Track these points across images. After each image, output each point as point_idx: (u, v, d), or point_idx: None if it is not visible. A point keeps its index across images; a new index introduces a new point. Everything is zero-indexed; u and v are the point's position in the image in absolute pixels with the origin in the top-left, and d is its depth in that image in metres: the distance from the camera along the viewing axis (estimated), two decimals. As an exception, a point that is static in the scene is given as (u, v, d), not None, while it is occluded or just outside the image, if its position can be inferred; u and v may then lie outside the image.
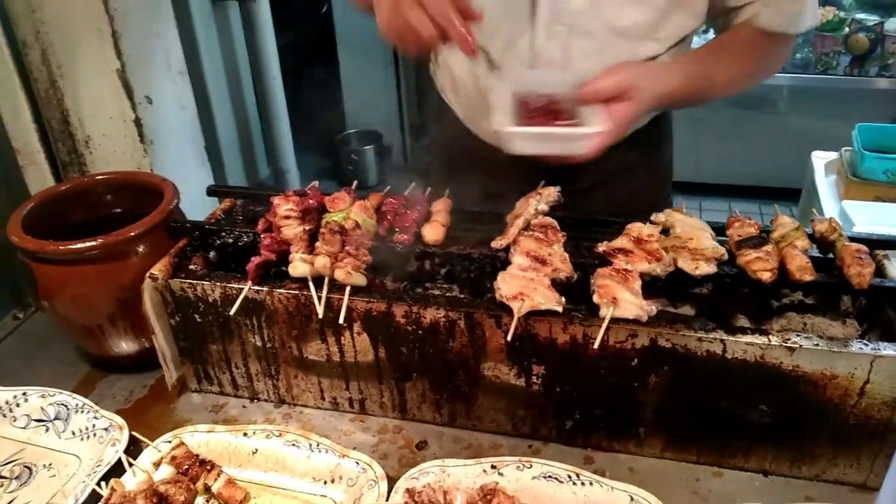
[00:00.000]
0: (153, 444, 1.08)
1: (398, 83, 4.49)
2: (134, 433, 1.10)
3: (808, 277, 1.00)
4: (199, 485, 1.02)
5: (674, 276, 1.06)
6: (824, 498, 1.02)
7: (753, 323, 1.10)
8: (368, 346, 1.12)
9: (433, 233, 1.14)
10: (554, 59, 1.23)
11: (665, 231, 1.13)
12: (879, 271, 1.09)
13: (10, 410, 1.19)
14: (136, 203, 1.27)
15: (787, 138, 3.82)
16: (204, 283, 1.13)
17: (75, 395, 1.18)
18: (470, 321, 1.05)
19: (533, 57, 1.23)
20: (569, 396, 1.08)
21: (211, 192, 1.35)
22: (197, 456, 1.05)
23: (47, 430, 1.17)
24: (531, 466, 1.04)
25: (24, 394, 1.20)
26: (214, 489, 1.02)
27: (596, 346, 0.98)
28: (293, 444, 1.09)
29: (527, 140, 1.07)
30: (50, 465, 1.12)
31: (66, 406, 1.17)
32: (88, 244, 1.14)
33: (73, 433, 1.15)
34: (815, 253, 1.11)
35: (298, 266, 1.09)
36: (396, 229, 1.16)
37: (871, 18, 3.91)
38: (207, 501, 1.00)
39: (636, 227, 1.11)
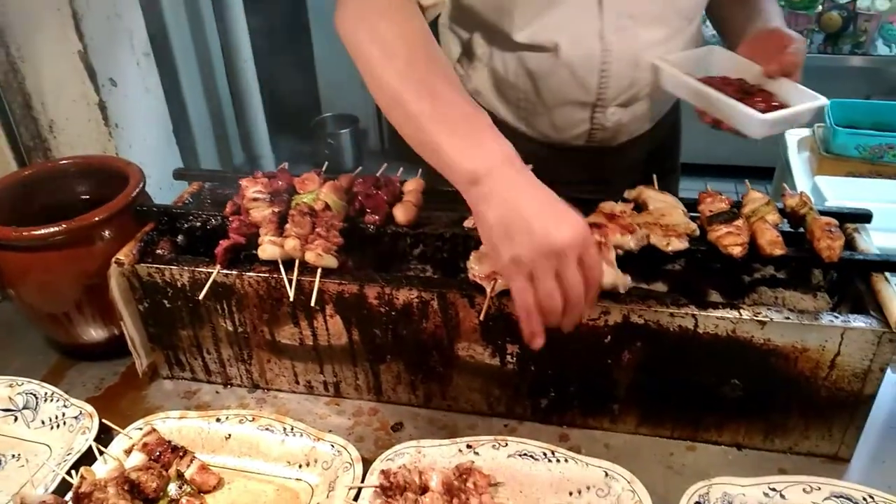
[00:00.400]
0: (124, 431, 1.07)
1: (373, 65, 4.44)
2: (104, 421, 1.08)
3: (778, 251, 1.01)
4: (172, 471, 1.01)
5: (646, 252, 1.06)
6: (797, 470, 1.03)
7: (725, 298, 1.11)
8: (341, 328, 1.11)
9: (405, 213, 1.13)
10: (624, 51, 1.21)
11: (638, 208, 1.12)
12: (850, 244, 1.09)
13: (-23, 401, 1.16)
14: (102, 188, 1.25)
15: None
16: (172, 267, 1.11)
17: (44, 384, 1.16)
18: (443, 301, 1.04)
19: (602, 50, 1.21)
20: (543, 375, 1.08)
21: (178, 175, 1.32)
22: (169, 442, 1.04)
23: (16, 419, 1.15)
24: (506, 445, 1.04)
25: (-10, 383, 1.17)
26: (187, 475, 1.01)
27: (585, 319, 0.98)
28: (267, 429, 1.08)
29: (776, 125, 1.06)
30: (19, 455, 1.10)
31: (34, 395, 1.16)
32: (52, 230, 1.11)
33: (43, 422, 1.13)
34: (787, 228, 1.11)
35: (268, 248, 1.07)
36: (368, 210, 1.15)
37: (844, -4, 3.92)
38: (180, 488, 0.99)
39: (608, 205, 1.11)
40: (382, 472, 0.98)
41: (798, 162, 2.31)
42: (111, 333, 1.23)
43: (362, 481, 0.99)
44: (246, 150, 3.90)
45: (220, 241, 1.09)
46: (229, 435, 1.08)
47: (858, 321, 0.95)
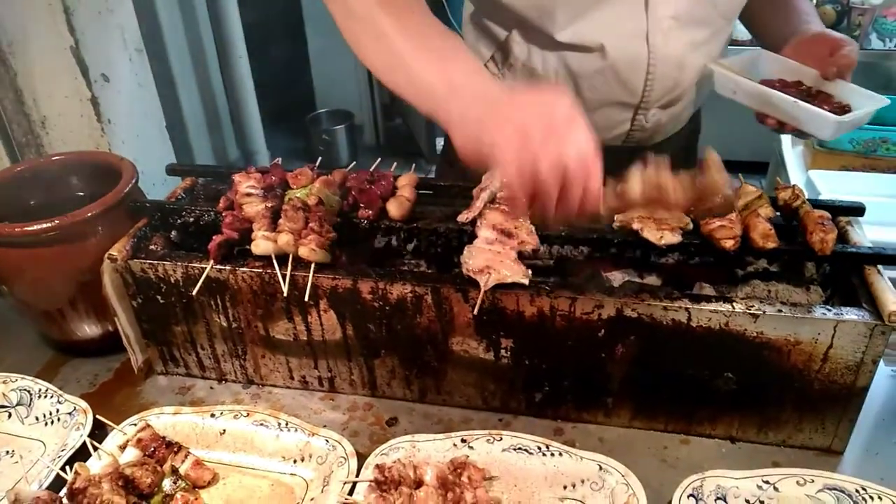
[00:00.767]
0: (118, 427, 1.06)
1: (368, 61, 4.43)
2: (99, 417, 1.08)
3: (770, 244, 1.01)
4: (167, 467, 1.01)
5: (640, 246, 1.06)
6: (791, 463, 1.03)
7: (719, 292, 1.11)
8: (335, 323, 1.11)
9: (398, 208, 1.13)
10: (669, 53, 1.21)
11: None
12: (843, 238, 1.10)
13: (-29, 398, 1.16)
14: (95, 184, 1.24)
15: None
16: (165, 263, 1.10)
17: (38, 380, 1.16)
18: (437, 296, 1.04)
19: (649, 51, 1.20)
20: (537, 369, 1.08)
21: (171, 170, 1.32)
22: (163, 438, 1.03)
23: (10, 416, 1.15)
24: (501, 439, 1.04)
25: (-16, 380, 1.17)
26: (182, 471, 1.01)
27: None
28: (261, 424, 1.08)
29: (849, 126, 1.12)
30: (13, 451, 1.10)
31: (28, 391, 1.15)
32: (45, 226, 1.11)
33: (37, 418, 1.13)
34: (780, 221, 1.12)
35: (261, 244, 1.07)
36: (361, 205, 1.15)
37: (838, -10, 3.92)
38: (175, 483, 0.99)
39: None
40: (377, 466, 0.98)
41: (792, 156, 2.31)
42: (105, 330, 1.23)
43: (357, 476, 0.99)
44: (240, 146, 3.89)
45: (214, 237, 1.09)
46: (224, 430, 1.08)
47: (851, 314, 0.96)
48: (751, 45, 1.49)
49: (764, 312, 0.96)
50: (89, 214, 1.13)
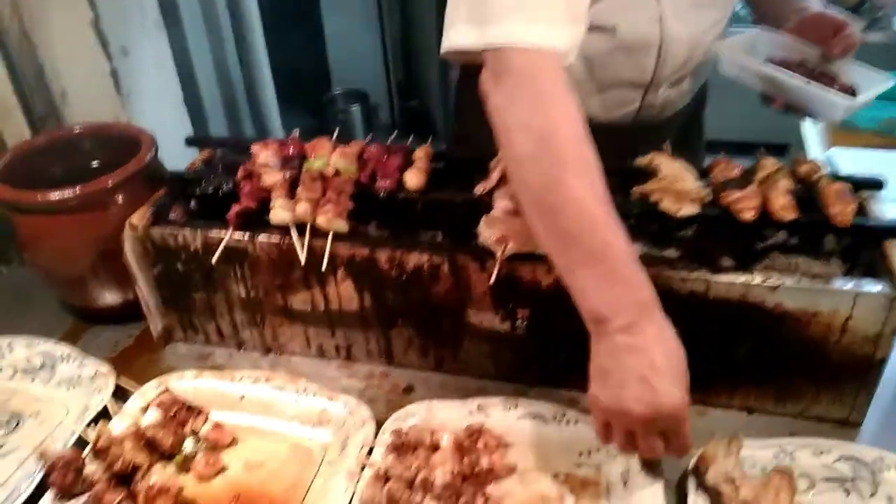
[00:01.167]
0: (140, 389, 1.08)
1: (384, 41, 4.41)
2: (120, 381, 1.10)
3: (790, 216, 1.00)
4: (187, 429, 1.03)
5: (657, 219, 1.06)
6: (808, 434, 1.02)
7: (737, 264, 1.10)
8: (353, 292, 1.12)
9: (415, 178, 1.13)
10: (681, 33, 1.21)
11: (650, 174, 1.12)
12: (862, 211, 1.08)
13: (-4, 361, 1.18)
14: (115, 155, 1.25)
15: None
16: (185, 231, 1.12)
17: (60, 345, 1.18)
18: (454, 265, 1.05)
19: (662, 33, 1.20)
20: (553, 339, 1.09)
21: (190, 142, 1.33)
22: (184, 401, 1.05)
23: (33, 379, 1.17)
24: (517, 406, 1.05)
25: (9, 344, 1.20)
26: (202, 433, 1.03)
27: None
28: (280, 389, 1.09)
29: (858, 107, 1.11)
30: (38, 413, 1.12)
31: (51, 355, 1.18)
32: (66, 194, 1.12)
33: (60, 382, 1.15)
34: (800, 195, 1.11)
35: (279, 213, 1.08)
36: (378, 176, 1.15)
37: (861, -30, 3.86)
38: (196, 444, 1.01)
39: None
40: (394, 430, 1.00)
41: (812, 135, 2.29)
42: (125, 297, 1.25)
43: (375, 439, 1.00)
44: (256, 124, 3.89)
45: (232, 206, 1.10)
46: (243, 395, 1.09)
47: (870, 285, 0.95)
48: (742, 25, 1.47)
49: (783, 283, 0.95)
50: (110, 183, 1.15)
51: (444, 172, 1.21)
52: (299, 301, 1.15)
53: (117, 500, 0.93)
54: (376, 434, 1.02)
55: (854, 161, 2.06)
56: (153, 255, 1.15)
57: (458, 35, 0.92)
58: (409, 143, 1.24)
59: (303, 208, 1.06)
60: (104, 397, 1.07)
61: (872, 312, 0.95)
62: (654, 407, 0.80)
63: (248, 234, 1.10)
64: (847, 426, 1.06)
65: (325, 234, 1.07)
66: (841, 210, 1.00)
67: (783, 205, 1.00)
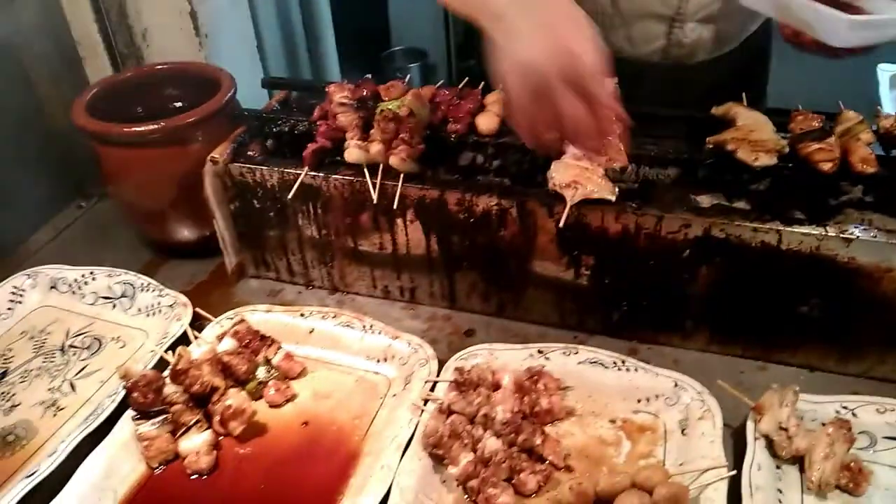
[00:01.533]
0: (216, 319, 1.13)
1: None
2: (197, 310, 1.15)
3: (870, 169, 0.98)
4: (260, 357, 1.07)
5: (731, 169, 1.05)
6: (871, 395, 1.02)
7: (810, 218, 1.09)
8: (420, 234, 1.14)
9: (488, 122, 1.14)
10: None
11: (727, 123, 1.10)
12: (944, 170, 1.05)
13: (80, 288, 1.25)
14: (194, 94, 1.29)
15: (849, 61, 3.63)
16: (262, 168, 1.15)
17: (140, 275, 1.24)
18: (522, 209, 1.06)
19: None
20: (617, 288, 1.10)
21: (266, 84, 1.36)
22: (258, 331, 1.10)
23: (114, 307, 1.23)
24: (577, 353, 1.07)
25: (91, 273, 1.26)
26: (274, 362, 1.07)
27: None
28: (347, 326, 1.13)
29: (863, 29, 1.01)
30: (118, 337, 1.19)
31: (131, 285, 1.23)
32: (151, 127, 1.17)
33: (139, 310, 1.21)
34: (880, 152, 1.08)
35: (353, 152, 1.10)
36: (450, 119, 1.16)
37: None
38: (269, 372, 1.05)
39: None
40: (457, 368, 1.02)
41: (890, 99, 2.20)
42: (201, 233, 1.30)
43: (437, 377, 1.04)
44: (316, 79, 3.92)
45: (308, 145, 1.13)
46: (312, 329, 1.13)
47: (949, 244, 0.93)
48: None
49: (857, 237, 0.94)
50: (192, 119, 1.19)
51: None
52: (368, 242, 1.18)
53: (194, 420, 0.99)
54: (439, 372, 1.05)
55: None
56: (231, 190, 1.19)
57: None
58: (481, 88, 1.25)
59: (376, 148, 1.09)
60: (183, 324, 1.12)
61: (949, 272, 0.93)
62: (558, 48, 0.77)
63: (322, 172, 1.12)
64: (912, 388, 1.04)
65: (397, 175, 1.09)
66: (924, 166, 0.98)
67: (864, 157, 0.99)
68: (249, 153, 1.19)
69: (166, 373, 1.02)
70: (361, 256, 1.21)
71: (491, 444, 0.92)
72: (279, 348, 1.09)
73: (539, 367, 1.04)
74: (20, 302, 1.25)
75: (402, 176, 1.09)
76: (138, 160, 1.21)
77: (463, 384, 1.01)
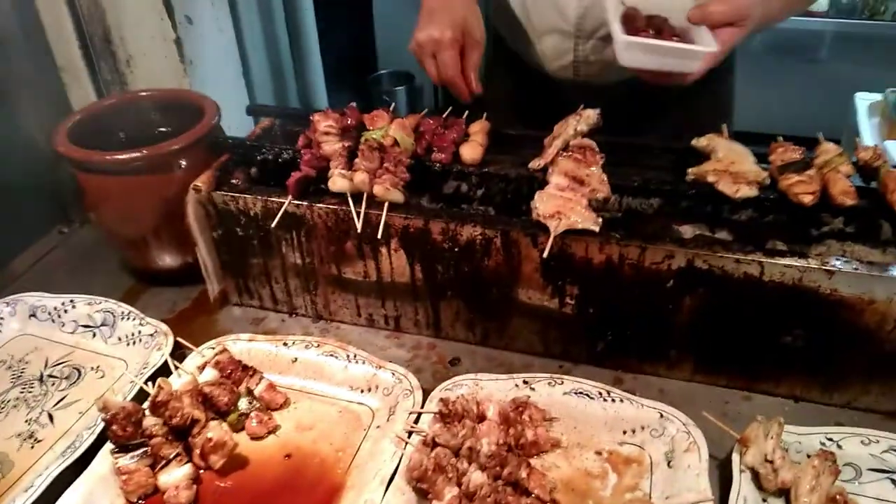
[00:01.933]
0: (197, 349, 1.12)
1: (431, 23, 4.41)
2: (178, 339, 1.14)
3: (850, 201, 0.99)
4: (242, 388, 1.06)
5: (713, 200, 1.06)
6: (855, 425, 1.01)
7: (791, 249, 1.09)
8: (405, 263, 1.14)
9: (471, 152, 1.15)
10: None
11: (707, 155, 1.12)
12: (923, 202, 1.07)
13: (59, 316, 1.23)
14: (178, 121, 1.29)
15: (829, 85, 3.70)
16: (246, 196, 1.15)
17: (121, 304, 1.22)
18: (506, 239, 1.06)
19: None
20: (601, 318, 1.10)
21: (250, 111, 1.36)
22: (240, 361, 1.08)
23: (94, 335, 1.21)
24: (562, 383, 1.06)
25: (71, 301, 1.24)
26: (256, 392, 1.06)
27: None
28: (331, 355, 1.12)
29: (641, 52, 1.08)
30: (98, 367, 1.17)
31: (112, 313, 1.22)
32: (133, 155, 1.16)
33: (120, 339, 1.20)
34: (859, 182, 1.09)
35: (338, 181, 1.10)
36: (434, 148, 1.17)
37: (921, -38, 3.73)
38: (250, 403, 1.04)
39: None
40: (442, 399, 1.01)
41: (867, 127, 2.24)
42: (184, 260, 1.29)
43: (422, 408, 1.03)
44: (303, 102, 3.93)
45: (293, 173, 1.12)
46: (296, 358, 1.12)
47: (930, 276, 0.94)
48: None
49: (839, 269, 0.95)
50: (175, 147, 1.18)
51: (499, 148, 1.22)
52: (352, 270, 1.17)
53: (174, 453, 0.97)
54: (423, 403, 1.04)
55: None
56: (214, 218, 1.18)
57: None
58: (465, 117, 1.25)
59: (361, 177, 1.08)
60: (164, 353, 1.10)
61: (930, 303, 0.94)
62: (421, 33, 1.19)
63: (306, 201, 1.12)
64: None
65: (381, 204, 1.09)
66: (903, 198, 0.99)
67: (843, 190, 1.00)
68: (233, 181, 1.19)
69: (146, 404, 1.01)
70: (346, 284, 1.20)
71: (476, 477, 0.91)
72: (261, 378, 1.08)
73: (524, 397, 1.04)
74: (-2, 330, 1.23)
75: (386, 205, 1.09)
76: (120, 188, 1.20)
77: (448, 416, 1.00)
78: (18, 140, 1.45)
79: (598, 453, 1.00)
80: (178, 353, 1.13)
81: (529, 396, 1.04)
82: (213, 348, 1.11)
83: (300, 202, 1.12)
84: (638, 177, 1.10)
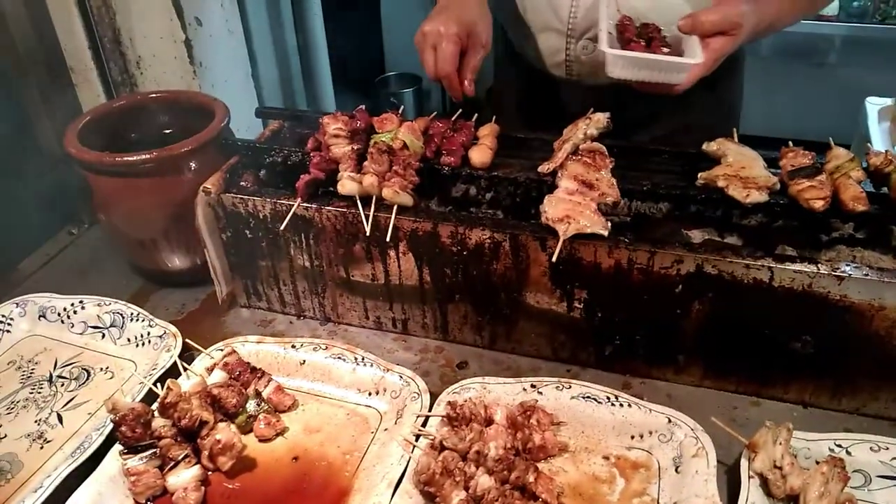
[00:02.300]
0: (206, 351, 1.12)
1: (439, 25, 4.41)
2: (187, 341, 1.14)
3: (861, 207, 0.99)
4: (250, 390, 1.06)
5: (722, 205, 1.06)
6: (864, 431, 1.01)
7: (801, 254, 1.09)
8: (413, 266, 1.14)
9: (480, 155, 1.15)
10: None
11: (717, 160, 1.11)
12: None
13: (68, 317, 1.24)
14: (188, 123, 1.29)
15: (839, 90, 3.68)
16: (255, 198, 1.15)
17: (130, 305, 1.23)
18: (515, 243, 1.06)
19: None
20: (610, 322, 1.09)
21: (259, 113, 1.36)
22: (248, 363, 1.09)
23: (103, 336, 1.22)
24: (570, 387, 1.06)
25: (80, 302, 1.25)
26: (265, 395, 1.06)
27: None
28: (339, 358, 1.12)
29: (627, 65, 1.09)
30: (107, 368, 1.17)
31: (121, 314, 1.22)
32: (143, 157, 1.16)
33: (129, 340, 1.20)
34: (870, 188, 1.09)
35: (347, 184, 1.10)
36: (443, 151, 1.17)
37: (933, -35, 3.72)
38: (258, 405, 1.04)
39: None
40: (449, 402, 1.01)
41: (878, 132, 2.23)
42: (193, 262, 1.29)
43: (429, 411, 1.03)
44: (310, 104, 3.94)
45: (302, 175, 1.13)
46: (304, 361, 1.13)
47: (941, 282, 0.93)
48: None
49: (849, 275, 0.94)
50: (184, 149, 1.19)
51: (508, 152, 1.23)
52: (360, 273, 1.18)
53: (183, 455, 0.97)
54: (431, 406, 1.04)
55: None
56: (223, 220, 1.19)
57: None
58: (475, 120, 1.25)
59: (370, 180, 1.08)
60: (173, 355, 1.11)
61: (941, 310, 0.94)
62: (428, 24, 1.19)
63: (315, 203, 1.12)
64: (906, 425, 1.04)
65: (390, 207, 1.09)
66: (915, 204, 0.99)
67: (854, 196, 0.99)
68: (242, 183, 1.19)
69: (155, 405, 1.01)
70: (354, 287, 1.20)
71: (483, 481, 0.91)
72: (270, 380, 1.08)
73: (532, 401, 1.03)
74: (8, 331, 1.24)
75: (395, 208, 1.09)
76: (130, 189, 1.20)
77: (455, 419, 1.00)
78: (28, 141, 1.45)
79: (606, 458, 1.00)
80: (187, 355, 1.13)
81: (537, 400, 1.04)
82: (222, 350, 1.12)
83: (309, 205, 1.12)
84: (647, 181, 1.10)
